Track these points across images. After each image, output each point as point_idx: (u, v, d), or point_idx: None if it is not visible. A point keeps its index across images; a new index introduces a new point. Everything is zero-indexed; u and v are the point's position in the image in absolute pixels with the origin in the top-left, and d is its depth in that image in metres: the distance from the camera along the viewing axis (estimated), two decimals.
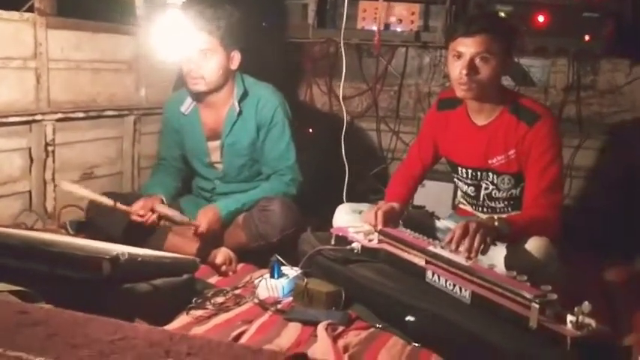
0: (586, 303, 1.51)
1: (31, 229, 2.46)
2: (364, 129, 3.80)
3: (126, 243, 2.20)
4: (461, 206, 2.52)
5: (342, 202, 2.69)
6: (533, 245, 1.99)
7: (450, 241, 1.91)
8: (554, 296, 1.58)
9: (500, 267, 1.88)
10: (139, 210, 2.38)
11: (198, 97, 2.63)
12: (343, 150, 3.12)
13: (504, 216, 2.21)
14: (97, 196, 2.33)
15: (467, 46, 2.09)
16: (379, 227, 2.16)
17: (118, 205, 2.31)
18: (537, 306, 1.54)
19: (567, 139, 3.08)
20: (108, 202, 2.31)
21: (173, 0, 2.47)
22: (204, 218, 2.43)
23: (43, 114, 2.61)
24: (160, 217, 2.40)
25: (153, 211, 2.38)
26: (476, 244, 1.87)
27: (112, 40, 2.96)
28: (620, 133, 3.22)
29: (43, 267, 1.72)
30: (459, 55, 2.11)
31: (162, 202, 2.48)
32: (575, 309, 1.51)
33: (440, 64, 3.63)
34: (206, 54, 2.50)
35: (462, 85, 2.12)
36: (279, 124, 2.63)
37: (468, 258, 1.84)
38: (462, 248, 1.88)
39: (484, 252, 1.89)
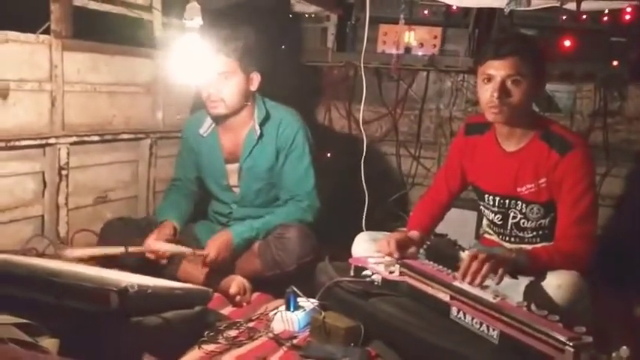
0: (624, 348, 1.42)
1: (42, 254, 2.40)
2: (383, 153, 3.72)
3: (140, 270, 2.16)
4: (486, 236, 2.41)
5: (361, 230, 2.61)
6: (560, 280, 1.89)
7: (464, 275, 1.86)
8: (590, 339, 1.48)
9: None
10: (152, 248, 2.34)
11: (218, 119, 2.58)
12: (363, 175, 3.04)
13: (530, 247, 2.11)
14: (107, 250, 2.30)
15: (497, 69, 2.01)
16: (394, 255, 2.09)
17: (130, 249, 2.30)
18: (572, 350, 1.44)
19: None
20: (119, 251, 2.28)
21: (191, 23, 2.42)
22: (214, 245, 2.39)
23: (57, 137, 2.56)
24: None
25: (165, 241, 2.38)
26: (484, 271, 1.82)
27: (129, 63, 2.92)
28: None
29: (49, 298, 1.65)
30: (490, 78, 2.04)
31: (175, 230, 2.47)
32: (614, 354, 1.41)
33: (462, 88, 3.56)
34: (225, 77, 2.47)
35: (493, 108, 2.04)
36: (299, 148, 2.58)
37: (471, 284, 1.81)
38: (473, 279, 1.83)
39: (497, 283, 1.82)
